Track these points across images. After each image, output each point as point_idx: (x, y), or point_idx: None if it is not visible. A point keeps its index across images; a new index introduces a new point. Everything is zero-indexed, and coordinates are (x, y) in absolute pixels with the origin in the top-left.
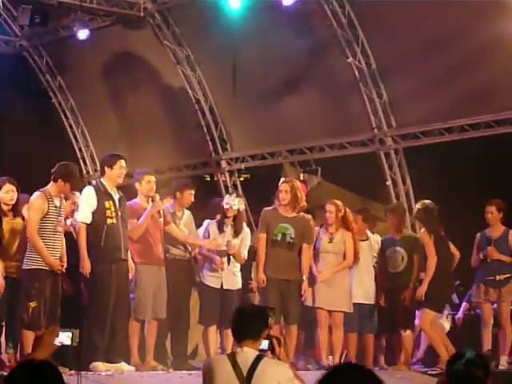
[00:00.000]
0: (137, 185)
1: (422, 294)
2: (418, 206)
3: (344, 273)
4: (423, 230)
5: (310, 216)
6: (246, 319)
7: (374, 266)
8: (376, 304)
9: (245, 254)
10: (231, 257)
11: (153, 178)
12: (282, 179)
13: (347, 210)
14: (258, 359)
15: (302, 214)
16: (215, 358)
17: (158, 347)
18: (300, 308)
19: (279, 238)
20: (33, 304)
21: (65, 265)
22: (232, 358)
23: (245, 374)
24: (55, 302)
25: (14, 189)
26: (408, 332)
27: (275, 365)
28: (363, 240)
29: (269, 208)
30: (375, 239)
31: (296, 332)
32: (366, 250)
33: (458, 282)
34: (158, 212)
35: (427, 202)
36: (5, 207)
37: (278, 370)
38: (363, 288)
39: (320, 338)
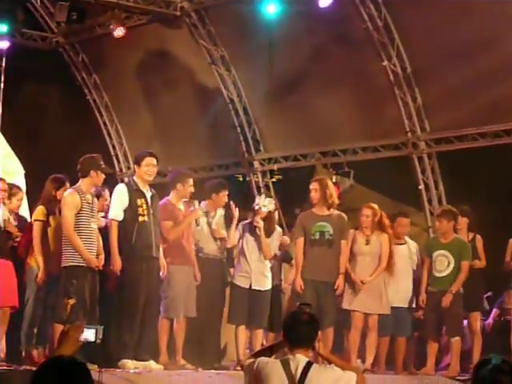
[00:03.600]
0: (178, 185)
1: None
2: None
3: (379, 276)
4: (478, 236)
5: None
6: (300, 327)
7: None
8: (416, 307)
9: (272, 253)
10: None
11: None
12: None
13: (383, 213)
14: (308, 366)
15: (336, 211)
16: (270, 362)
17: (187, 346)
18: (336, 311)
19: (317, 237)
20: (71, 301)
21: (102, 261)
22: (286, 364)
23: (297, 380)
24: (93, 300)
25: (68, 187)
26: (457, 338)
27: (324, 370)
28: (401, 244)
29: (304, 212)
30: (412, 243)
31: (332, 335)
32: (404, 254)
33: (490, 292)
34: None
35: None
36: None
37: (327, 374)
38: (400, 292)
39: (351, 340)
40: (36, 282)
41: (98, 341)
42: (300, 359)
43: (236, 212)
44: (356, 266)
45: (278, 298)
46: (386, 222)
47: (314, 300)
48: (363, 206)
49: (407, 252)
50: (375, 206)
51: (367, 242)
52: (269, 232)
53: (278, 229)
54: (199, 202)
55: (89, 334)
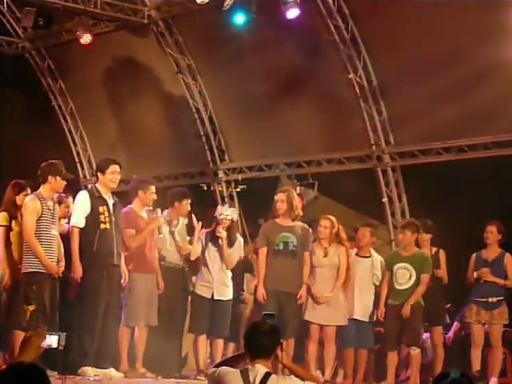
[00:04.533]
0: (140, 193)
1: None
2: (430, 222)
3: (338, 290)
4: (442, 250)
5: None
6: (260, 337)
7: (374, 284)
8: (376, 319)
9: (234, 262)
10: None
11: (154, 189)
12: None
13: (340, 226)
14: (266, 376)
15: (299, 222)
16: (229, 372)
17: (147, 354)
18: (298, 322)
19: (281, 248)
20: (31, 307)
21: (62, 268)
22: (245, 374)
23: None
24: (53, 306)
25: (30, 193)
26: (417, 351)
27: (283, 381)
28: (366, 257)
29: (267, 222)
30: (377, 257)
31: (293, 346)
32: (367, 268)
33: (450, 304)
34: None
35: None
36: (20, 210)
37: None
38: (363, 305)
39: (309, 351)
40: (1, 287)
41: (61, 347)
42: (259, 370)
43: (197, 224)
44: (315, 279)
45: (239, 307)
46: (344, 235)
47: (275, 310)
48: (321, 218)
49: (370, 265)
50: (333, 218)
51: (325, 254)
52: (230, 242)
53: (240, 238)
54: (162, 211)
55: (52, 341)
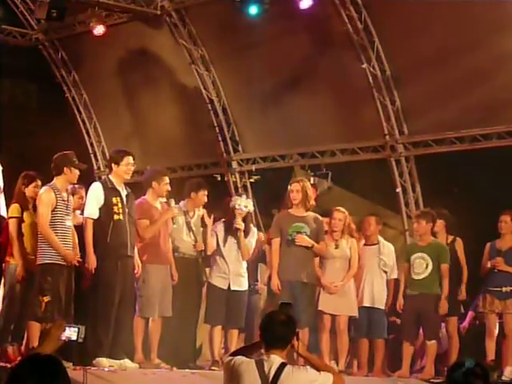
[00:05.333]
0: (154, 184)
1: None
2: (444, 211)
3: (350, 280)
4: (459, 239)
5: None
6: (276, 327)
7: (384, 271)
8: (392, 309)
9: (249, 253)
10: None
11: (168, 180)
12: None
13: (350, 217)
14: (281, 367)
15: (312, 213)
16: (244, 361)
17: (162, 345)
18: (313, 311)
19: (295, 237)
20: (46, 299)
21: (78, 255)
22: (260, 364)
23: (269, 381)
24: (69, 298)
25: (40, 184)
26: (433, 341)
27: (298, 372)
28: (373, 244)
29: (280, 212)
30: (385, 244)
31: (307, 335)
32: (374, 255)
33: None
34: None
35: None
36: (30, 201)
37: (301, 376)
38: (370, 292)
39: (322, 341)
40: (15, 279)
41: (80, 340)
42: (274, 360)
43: (209, 220)
44: (326, 270)
45: (253, 298)
46: (353, 226)
47: (290, 300)
48: (333, 210)
49: (376, 252)
50: (344, 209)
51: (337, 246)
52: (245, 232)
53: (253, 228)
54: (176, 201)
55: (71, 333)
